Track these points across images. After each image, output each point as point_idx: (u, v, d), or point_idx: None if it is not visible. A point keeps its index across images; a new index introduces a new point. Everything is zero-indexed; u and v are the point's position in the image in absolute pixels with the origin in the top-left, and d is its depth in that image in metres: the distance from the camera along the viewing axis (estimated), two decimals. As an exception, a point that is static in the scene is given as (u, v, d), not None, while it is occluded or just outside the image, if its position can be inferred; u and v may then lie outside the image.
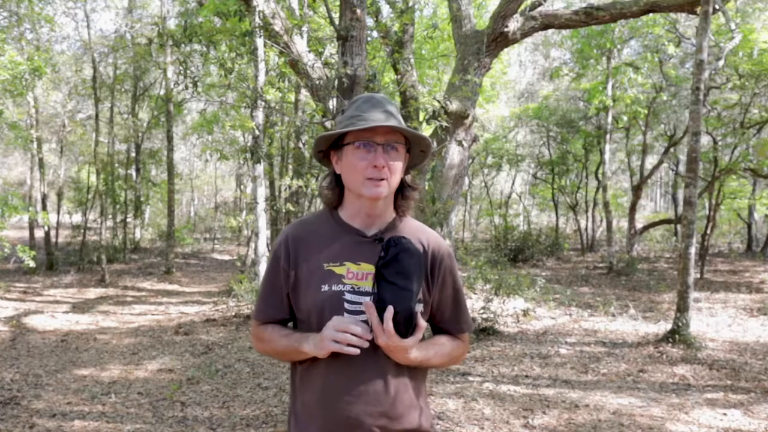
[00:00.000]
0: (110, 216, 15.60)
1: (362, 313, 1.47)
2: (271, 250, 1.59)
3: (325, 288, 1.50)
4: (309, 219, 1.65)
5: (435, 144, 6.58)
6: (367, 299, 1.45)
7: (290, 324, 1.65)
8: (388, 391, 1.49)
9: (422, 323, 1.44)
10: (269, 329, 1.61)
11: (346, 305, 1.49)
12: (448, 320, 1.62)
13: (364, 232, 1.55)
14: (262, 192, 9.11)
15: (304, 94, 10.86)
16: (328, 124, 4.77)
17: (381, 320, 1.40)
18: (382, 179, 1.48)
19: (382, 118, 1.49)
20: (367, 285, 1.49)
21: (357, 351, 1.41)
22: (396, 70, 7.28)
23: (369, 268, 1.50)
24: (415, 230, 1.60)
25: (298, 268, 1.55)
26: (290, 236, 1.59)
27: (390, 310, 1.39)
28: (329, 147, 1.59)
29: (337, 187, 1.59)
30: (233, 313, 8.43)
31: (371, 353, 1.45)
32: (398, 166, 1.50)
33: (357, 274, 1.51)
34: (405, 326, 1.41)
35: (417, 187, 1.61)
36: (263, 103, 6.86)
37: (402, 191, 1.59)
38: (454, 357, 1.62)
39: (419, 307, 1.48)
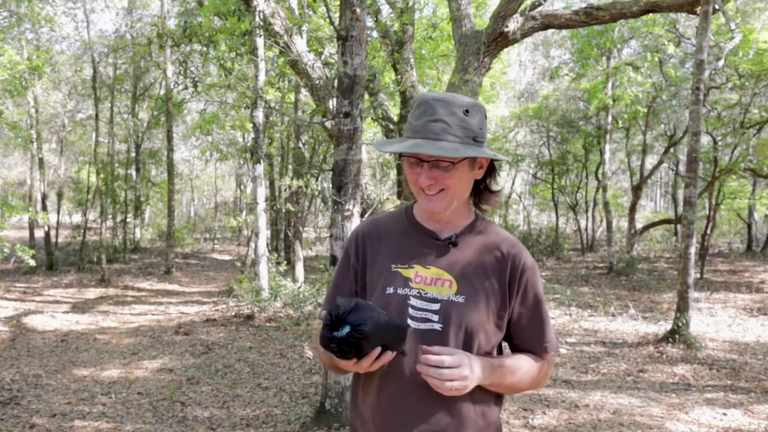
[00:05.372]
0: (110, 216, 15.61)
1: (427, 321, 1.36)
2: (342, 248, 1.52)
3: (390, 290, 1.39)
4: (382, 216, 1.56)
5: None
6: (435, 306, 1.36)
7: None
8: (448, 410, 1.35)
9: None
10: None
11: (410, 311, 1.37)
12: (529, 338, 1.46)
13: (437, 234, 1.44)
14: (262, 192, 9.13)
15: (304, 94, 10.86)
16: (328, 124, 4.76)
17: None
18: (439, 191, 1.36)
19: (435, 130, 1.32)
20: (436, 291, 1.37)
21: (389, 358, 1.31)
22: (396, 70, 7.28)
23: (438, 273, 1.39)
24: (495, 236, 1.46)
25: (366, 267, 1.46)
26: (360, 233, 1.50)
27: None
28: None
29: None
30: (233, 313, 8.43)
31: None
32: (453, 178, 1.36)
33: (425, 279, 1.39)
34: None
35: (495, 191, 1.49)
36: (263, 103, 6.86)
37: (480, 193, 1.48)
38: (535, 379, 1.45)
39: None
